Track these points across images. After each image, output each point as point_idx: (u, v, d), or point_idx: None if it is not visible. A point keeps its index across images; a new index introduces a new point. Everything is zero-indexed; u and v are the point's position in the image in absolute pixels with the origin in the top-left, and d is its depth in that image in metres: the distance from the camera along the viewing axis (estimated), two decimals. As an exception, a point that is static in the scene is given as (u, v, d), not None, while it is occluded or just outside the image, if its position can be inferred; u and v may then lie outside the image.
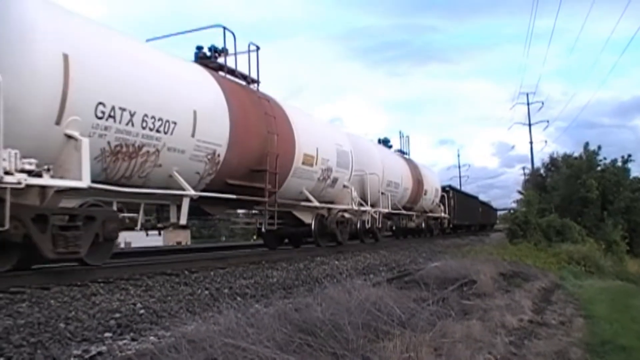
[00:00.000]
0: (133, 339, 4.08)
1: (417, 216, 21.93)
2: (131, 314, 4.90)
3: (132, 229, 8.06)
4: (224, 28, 9.84)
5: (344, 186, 13.52)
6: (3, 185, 5.22)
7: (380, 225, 16.36)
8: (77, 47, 6.21)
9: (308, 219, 12.42)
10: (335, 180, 12.89)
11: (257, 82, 10.69)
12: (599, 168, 27.28)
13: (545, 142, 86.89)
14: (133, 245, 21.65)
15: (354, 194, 13.96)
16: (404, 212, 19.47)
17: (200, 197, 8.41)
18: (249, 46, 10.44)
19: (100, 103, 6.38)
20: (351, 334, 3.68)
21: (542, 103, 47.24)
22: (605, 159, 27.82)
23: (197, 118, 8.03)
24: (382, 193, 16.43)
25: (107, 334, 4.19)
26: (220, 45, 9.99)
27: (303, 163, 11.37)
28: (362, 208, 14.62)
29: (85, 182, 6.02)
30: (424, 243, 19.10)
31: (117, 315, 4.81)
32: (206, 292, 6.37)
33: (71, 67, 6.02)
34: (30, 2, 5.95)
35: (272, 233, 12.40)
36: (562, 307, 7.45)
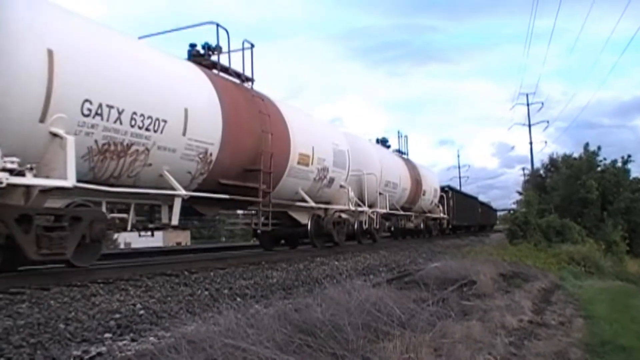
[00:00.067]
0: (133, 340, 4.10)
1: (416, 217, 21.82)
2: (131, 315, 4.91)
3: (122, 229, 7.91)
4: (217, 25, 9.68)
5: (341, 186, 13.35)
6: (-17, 184, 5.07)
7: (378, 226, 16.22)
8: (63, 42, 6.04)
9: (304, 219, 12.26)
10: (331, 180, 12.73)
11: (252, 80, 10.53)
12: (599, 168, 27.32)
13: (545, 142, 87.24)
14: (133, 245, 21.61)
15: (351, 194, 13.81)
16: (402, 212, 19.33)
17: (192, 197, 8.25)
18: (243, 44, 10.27)
19: (86, 100, 6.22)
20: (351, 335, 3.70)
21: (542, 103, 47.38)
22: (605, 159, 27.94)
23: (189, 116, 7.87)
24: (380, 193, 16.29)
25: (106, 335, 4.21)
26: (215, 43, 9.84)
27: (298, 162, 11.21)
28: (360, 208, 14.47)
29: (70, 182, 5.85)
30: (424, 244, 19.02)
31: (117, 315, 4.83)
32: (206, 292, 6.38)
33: (56, 63, 5.85)
34: (13, -4, 5.78)
35: (268, 234, 12.24)
36: (562, 308, 7.44)
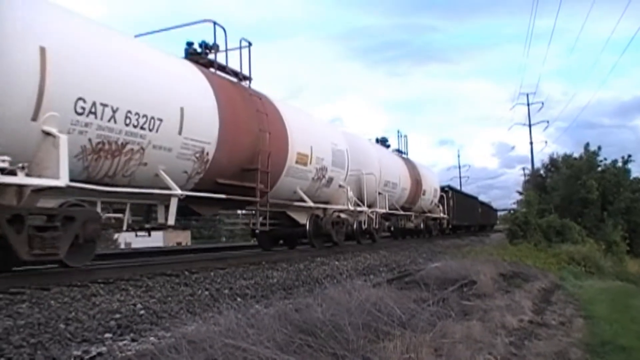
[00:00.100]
0: (133, 340, 4.10)
1: (416, 216, 21.74)
2: (131, 315, 4.90)
3: (118, 229, 7.83)
4: (214, 23, 9.59)
5: (340, 186, 13.27)
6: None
7: (377, 226, 16.15)
8: (56, 40, 5.96)
9: (303, 219, 12.18)
10: (330, 180, 12.65)
11: (249, 79, 10.46)
12: (599, 168, 27.28)
13: (546, 142, 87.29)
14: (133, 245, 21.60)
15: (350, 194, 13.73)
16: (402, 212, 19.26)
17: (189, 197, 8.16)
18: (240, 42, 10.20)
19: (80, 98, 6.13)
20: (351, 335, 3.70)
21: (542, 103, 47.32)
22: (605, 159, 27.90)
23: (185, 115, 7.79)
24: (379, 193, 16.21)
25: (107, 335, 4.21)
26: (212, 42, 9.76)
27: (296, 162, 11.13)
28: (359, 208, 14.39)
29: (63, 181, 5.76)
30: (424, 244, 18.96)
31: (117, 315, 4.82)
32: (206, 292, 6.37)
33: (49, 61, 5.77)
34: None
35: (266, 234, 12.18)
36: (562, 308, 7.42)
